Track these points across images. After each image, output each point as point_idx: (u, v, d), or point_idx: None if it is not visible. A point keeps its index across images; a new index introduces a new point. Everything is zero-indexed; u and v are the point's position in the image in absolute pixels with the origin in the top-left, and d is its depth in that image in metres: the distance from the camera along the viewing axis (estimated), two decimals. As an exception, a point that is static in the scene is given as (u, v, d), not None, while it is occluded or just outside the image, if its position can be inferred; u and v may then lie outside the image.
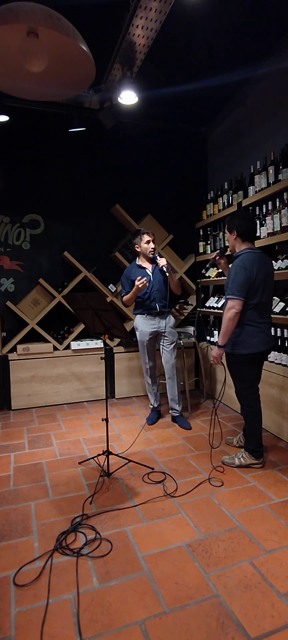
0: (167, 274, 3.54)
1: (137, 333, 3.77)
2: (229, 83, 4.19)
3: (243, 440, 3.14)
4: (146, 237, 3.65)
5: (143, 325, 3.70)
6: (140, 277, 3.52)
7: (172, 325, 3.74)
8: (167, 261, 3.60)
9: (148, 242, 3.65)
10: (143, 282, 3.48)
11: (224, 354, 2.83)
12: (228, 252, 3.07)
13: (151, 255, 3.67)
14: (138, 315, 3.76)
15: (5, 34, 2.11)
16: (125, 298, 3.71)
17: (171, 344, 3.70)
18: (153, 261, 3.71)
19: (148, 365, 3.79)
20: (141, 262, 3.73)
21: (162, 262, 3.56)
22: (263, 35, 3.55)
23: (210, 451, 3.08)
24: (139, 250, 3.71)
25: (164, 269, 3.54)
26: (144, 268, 3.69)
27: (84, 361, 4.61)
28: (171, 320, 3.75)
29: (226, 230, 2.90)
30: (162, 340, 3.71)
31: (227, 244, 3.01)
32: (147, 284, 3.54)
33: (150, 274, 3.67)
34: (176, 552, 1.98)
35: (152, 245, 3.65)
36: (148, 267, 3.70)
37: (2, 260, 4.61)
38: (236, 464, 2.85)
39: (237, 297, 2.63)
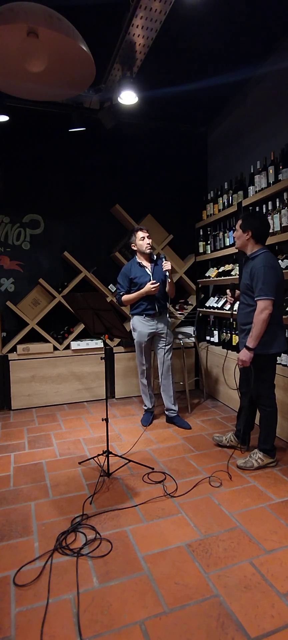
0: (168, 280, 3.53)
1: (135, 334, 3.72)
2: (229, 83, 4.19)
3: (235, 440, 3.13)
4: (140, 234, 3.62)
5: (141, 326, 3.66)
6: (153, 281, 3.54)
7: (170, 326, 3.75)
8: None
9: (142, 238, 3.61)
10: (156, 287, 3.51)
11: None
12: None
13: (148, 251, 3.63)
14: (135, 316, 3.70)
15: (5, 34, 2.11)
16: (124, 297, 3.65)
17: (168, 344, 3.69)
18: (151, 260, 3.70)
19: (145, 367, 3.77)
20: (140, 260, 3.70)
21: (166, 266, 3.51)
22: (263, 35, 3.55)
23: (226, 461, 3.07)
24: (135, 249, 3.69)
25: (167, 274, 3.52)
26: (144, 267, 3.67)
27: (84, 361, 4.61)
28: (169, 321, 3.76)
29: (238, 227, 2.85)
30: (159, 341, 3.70)
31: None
32: (158, 290, 3.55)
33: (150, 274, 3.64)
34: (176, 552, 1.98)
35: (147, 240, 3.61)
36: (148, 266, 3.67)
37: (2, 260, 4.61)
38: (255, 466, 2.80)
39: (269, 297, 2.61)
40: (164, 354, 3.68)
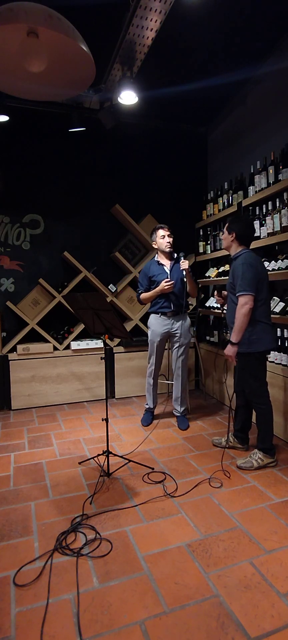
0: (185, 279, 3.49)
1: (149, 332, 3.74)
2: (229, 83, 4.19)
3: (234, 441, 3.14)
4: (161, 232, 3.63)
5: (156, 325, 3.67)
6: (167, 279, 3.53)
7: (187, 326, 3.69)
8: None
9: (163, 236, 3.62)
10: (170, 285, 3.49)
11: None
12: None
13: (168, 250, 3.62)
14: (152, 315, 3.72)
15: (5, 34, 2.11)
16: (142, 296, 3.68)
17: (182, 346, 3.65)
18: (171, 258, 3.68)
19: (154, 367, 3.76)
20: (159, 258, 3.69)
21: (183, 265, 3.48)
22: (263, 35, 3.55)
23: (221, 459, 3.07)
24: (156, 247, 3.70)
25: (184, 272, 3.49)
26: (162, 265, 3.65)
27: (84, 361, 4.61)
28: (187, 321, 3.71)
29: (225, 229, 2.96)
30: (173, 341, 3.68)
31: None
32: (173, 288, 3.53)
33: (168, 272, 3.62)
34: (176, 552, 1.98)
35: (167, 239, 3.61)
36: (167, 264, 3.66)
37: (2, 260, 4.61)
38: (255, 466, 2.81)
39: (248, 292, 2.69)
40: (178, 355, 3.65)
